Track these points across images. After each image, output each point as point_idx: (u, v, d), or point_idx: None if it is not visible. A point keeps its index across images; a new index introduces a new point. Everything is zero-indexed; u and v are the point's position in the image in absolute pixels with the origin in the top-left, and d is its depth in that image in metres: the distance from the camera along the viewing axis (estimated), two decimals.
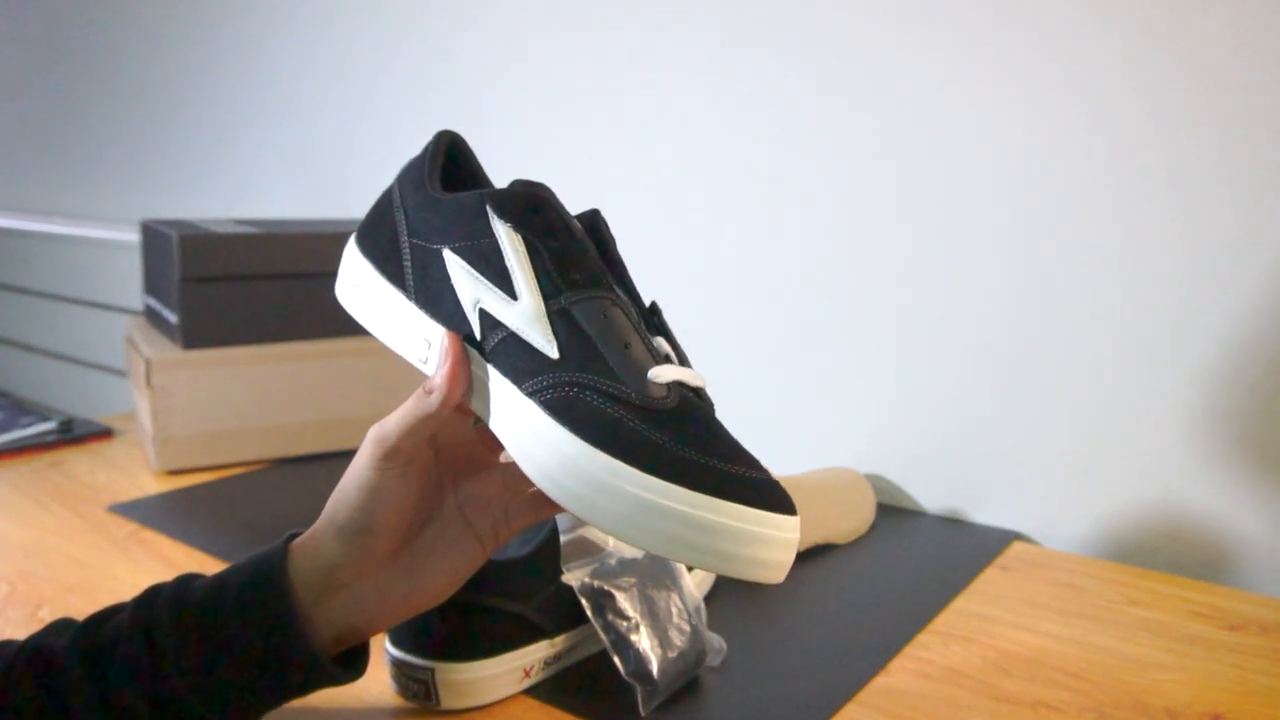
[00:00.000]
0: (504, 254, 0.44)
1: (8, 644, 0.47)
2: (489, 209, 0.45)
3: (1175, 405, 0.77)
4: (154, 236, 1.03)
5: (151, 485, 0.92)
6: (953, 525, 0.86)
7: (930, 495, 0.90)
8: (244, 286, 0.98)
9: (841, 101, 0.90)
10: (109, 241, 1.67)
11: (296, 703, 0.47)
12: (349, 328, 1.05)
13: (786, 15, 0.92)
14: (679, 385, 0.43)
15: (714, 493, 0.40)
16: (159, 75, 1.73)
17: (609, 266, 0.46)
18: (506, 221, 0.44)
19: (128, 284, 1.63)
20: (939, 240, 0.86)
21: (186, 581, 0.47)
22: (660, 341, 0.45)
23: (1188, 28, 0.73)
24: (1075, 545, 0.82)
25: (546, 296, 0.43)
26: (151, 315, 1.07)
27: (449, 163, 0.53)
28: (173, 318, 0.97)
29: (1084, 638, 0.64)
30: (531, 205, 0.44)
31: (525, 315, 0.43)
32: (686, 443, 0.41)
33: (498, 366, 0.44)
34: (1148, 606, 0.69)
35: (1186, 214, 0.75)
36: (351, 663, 0.48)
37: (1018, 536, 0.84)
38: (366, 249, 0.50)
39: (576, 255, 0.44)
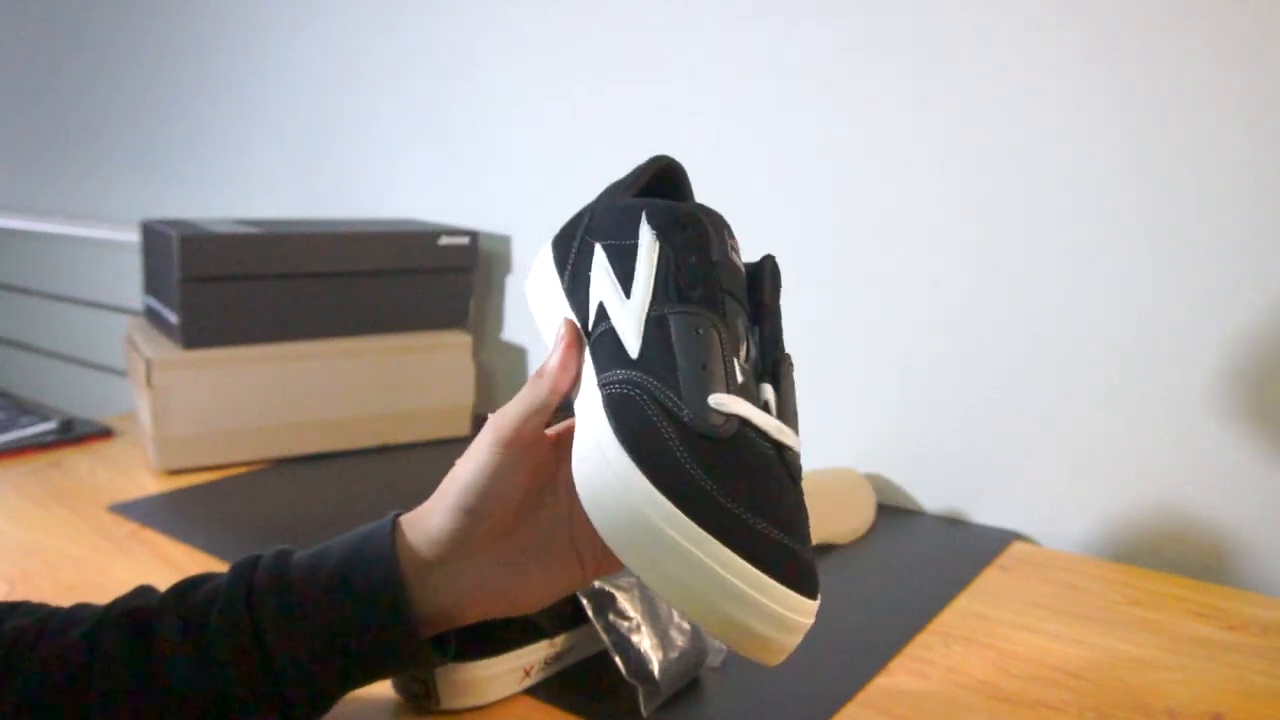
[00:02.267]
0: (638, 257, 0.45)
1: (83, 607, 0.48)
2: (643, 214, 0.45)
3: (1175, 405, 0.77)
4: (154, 236, 1.03)
5: (151, 485, 0.92)
6: (953, 525, 0.86)
7: (930, 495, 0.90)
8: (244, 286, 0.98)
9: (841, 101, 0.90)
10: (109, 241, 1.67)
11: None
12: (349, 328, 1.05)
13: (769, 7, 0.92)
14: (743, 422, 0.41)
15: (723, 539, 0.38)
16: (159, 75, 1.73)
17: (755, 308, 0.46)
18: (653, 229, 0.45)
19: (128, 284, 1.63)
20: (939, 241, 0.86)
21: (286, 551, 0.48)
22: (765, 388, 0.44)
23: (1168, 33, 0.73)
24: (1075, 545, 0.82)
25: (654, 302, 0.43)
26: (151, 315, 1.07)
27: (660, 184, 0.53)
28: (173, 318, 0.97)
29: (1084, 638, 0.64)
30: (680, 221, 0.45)
31: (628, 314, 0.44)
32: (718, 477, 0.39)
33: (593, 358, 0.45)
34: (1148, 606, 0.69)
35: (1186, 215, 0.75)
36: (438, 646, 0.49)
37: (1018, 536, 0.84)
38: (555, 244, 0.51)
39: (703, 275, 0.44)
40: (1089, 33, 0.77)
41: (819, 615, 0.66)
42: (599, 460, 0.41)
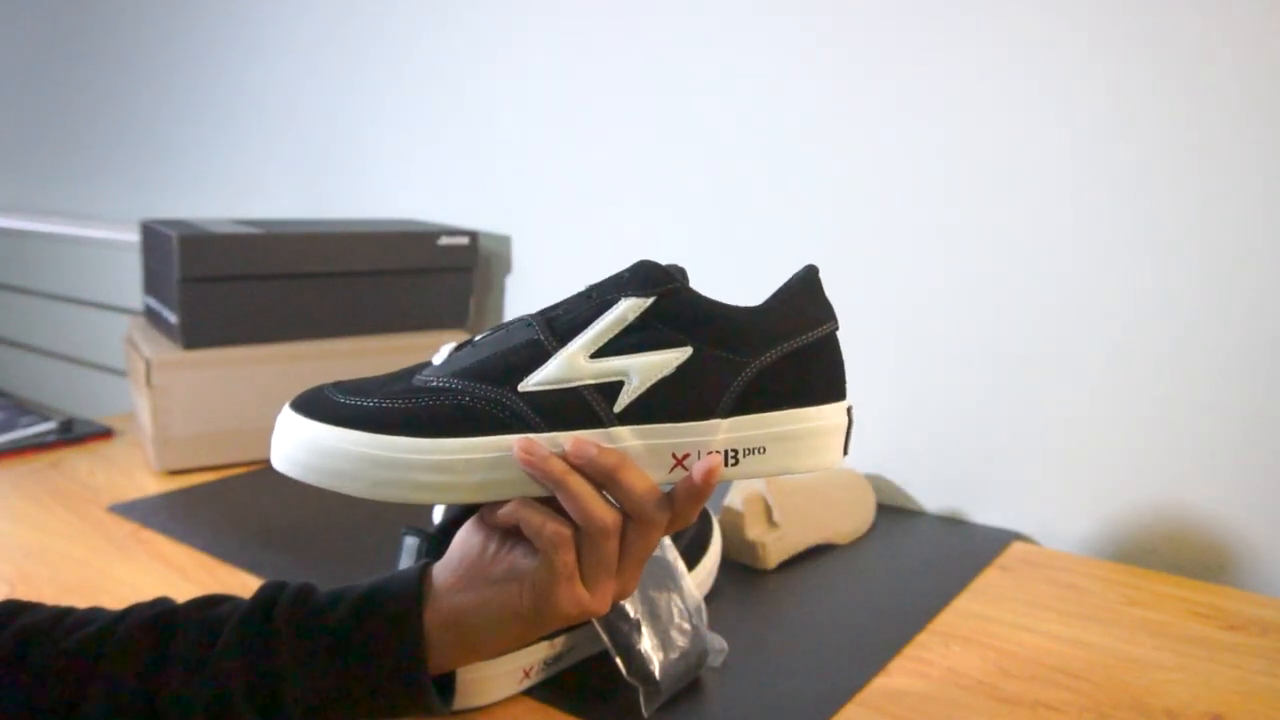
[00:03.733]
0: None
1: (99, 609, 0.48)
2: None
3: (1175, 406, 0.77)
4: (154, 236, 1.03)
5: (151, 485, 0.92)
6: (953, 525, 0.86)
7: (930, 495, 0.90)
8: (244, 286, 0.98)
9: (843, 102, 0.90)
10: (109, 241, 1.67)
11: None
12: (349, 328, 1.05)
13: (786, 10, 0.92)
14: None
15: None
16: (160, 75, 1.73)
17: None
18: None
19: (128, 284, 1.63)
20: (939, 241, 0.86)
21: (310, 586, 0.48)
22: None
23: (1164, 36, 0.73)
24: (1075, 545, 0.82)
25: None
26: (151, 315, 1.07)
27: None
28: (173, 318, 0.97)
29: (1084, 638, 0.64)
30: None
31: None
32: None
33: None
34: (1148, 606, 0.69)
35: (1186, 216, 0.75)
36: (441, 690, 0.49)
37: (1018, 536, 0.84)
38: None
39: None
40: (1091, 32, 0.77)
41: (819, 615, 0.67)
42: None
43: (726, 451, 0.45)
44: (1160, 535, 0.78)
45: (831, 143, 0.91)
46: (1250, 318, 0.73)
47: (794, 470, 0.45)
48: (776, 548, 0.74)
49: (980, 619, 0.67)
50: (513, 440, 0.43)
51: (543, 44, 1.12)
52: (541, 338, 0.45)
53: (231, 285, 0.97)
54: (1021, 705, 0.56)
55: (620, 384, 0.44)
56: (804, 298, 0.47)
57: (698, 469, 0.43)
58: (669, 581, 0.58)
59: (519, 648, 0.47)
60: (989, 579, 0.74)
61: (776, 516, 0.75)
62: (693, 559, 0.67)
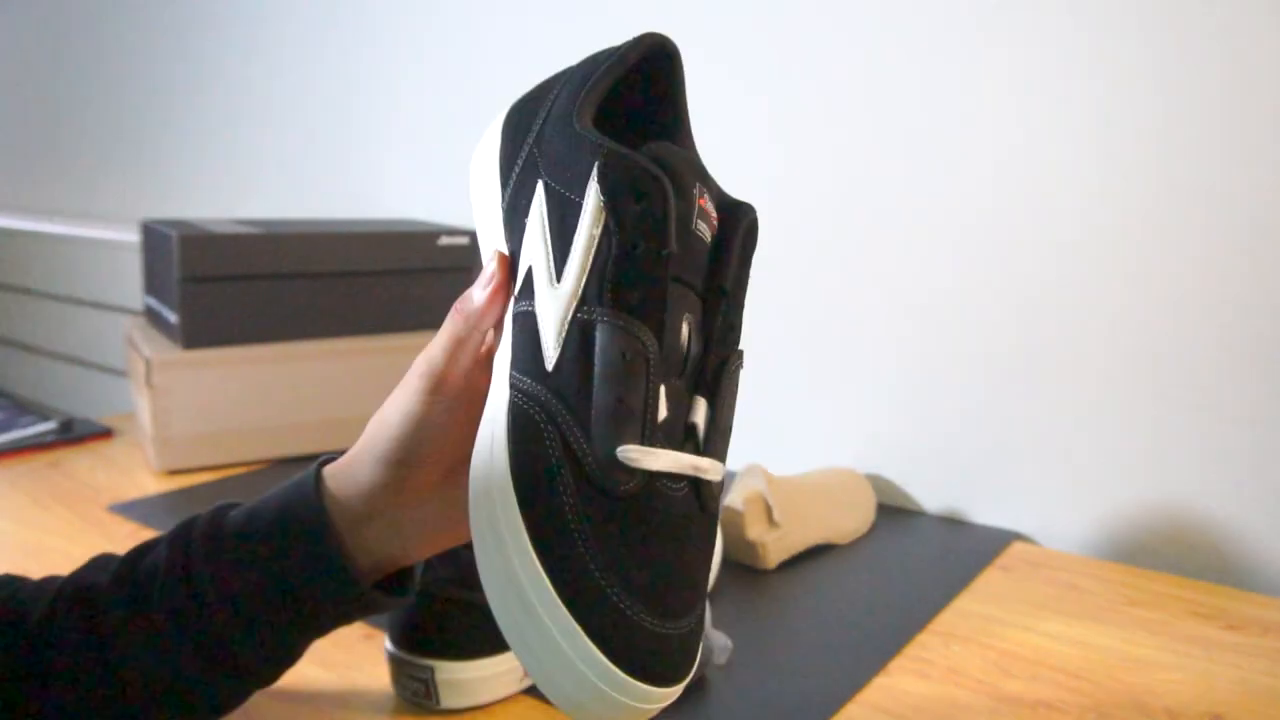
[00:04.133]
0: (578, 227, 0.37)
1: (51, 580, 0.46)
2: (595, 166, 0.37)
3: (1176, 406, 0.77)
4: (154, 236, 1.03)
5: (151, 485, 0.92)
6: (953, 525, 0.86)
7: (930, 495, 0.90)
8: (244, 286, 0.98)
9: (842, 102, 0.90)
10: (109, 241, 1.67)
11: (297, 702, 0.47)
12: (349, 328, 1.05)
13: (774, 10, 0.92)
14: (653, 477, 0.36)
15: (581, 618, 0.33)
16: (160, 75, 1.73)
17: (714, 285, 0.38)
18: (602, 193, 0.36)
19: (128, 284, 1.63)
20: (939, 241, 0.86)
21: (222, 511, 0.45)
22: (698, 404, 0.38)
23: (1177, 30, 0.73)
24: (1075, 545, 0.82)
25: (583, 299, 0.36)
26: (151, 315, 1.07)
27: (646, 70, 0.42)
28: (173, 318, 0.97)
29: (1084, 638, 0.64)
30: (638, 186, 0.36)
31: (552, 306, 0.37)
32: (604, 541, 0.35)
33: (511, 335, 0.39)
34: (1148, 606, 0.69)
35: (1186, 216, 0.75)
36: (394, 588, 0.46)
37: (1018, 536, 0.84)
38: (508, 121, 0.43)
39: (648, 273, 0.36)
40: (1090, 32, 0.77)
41: (819, 615, 0.67)
42: (486, 479, 0.36)
43: None
44: (1160, 535, 0.78)
45: (830, 141, 0.91)
46: (1251, 317, 0.73)
47: None
48: (776, 548, 0.74)
49: (980, 619, 0.67)
50: None
51: (543, 44, 1.12)
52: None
53: (231, 285, 0.97)
54: (1022, 705, 0.56)
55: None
56: None
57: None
58: None
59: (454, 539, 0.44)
60: (989, 579, 0.74)
61: (776, 516, 0.75)
62: None
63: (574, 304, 0.37)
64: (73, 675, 0.43)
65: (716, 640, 0.59)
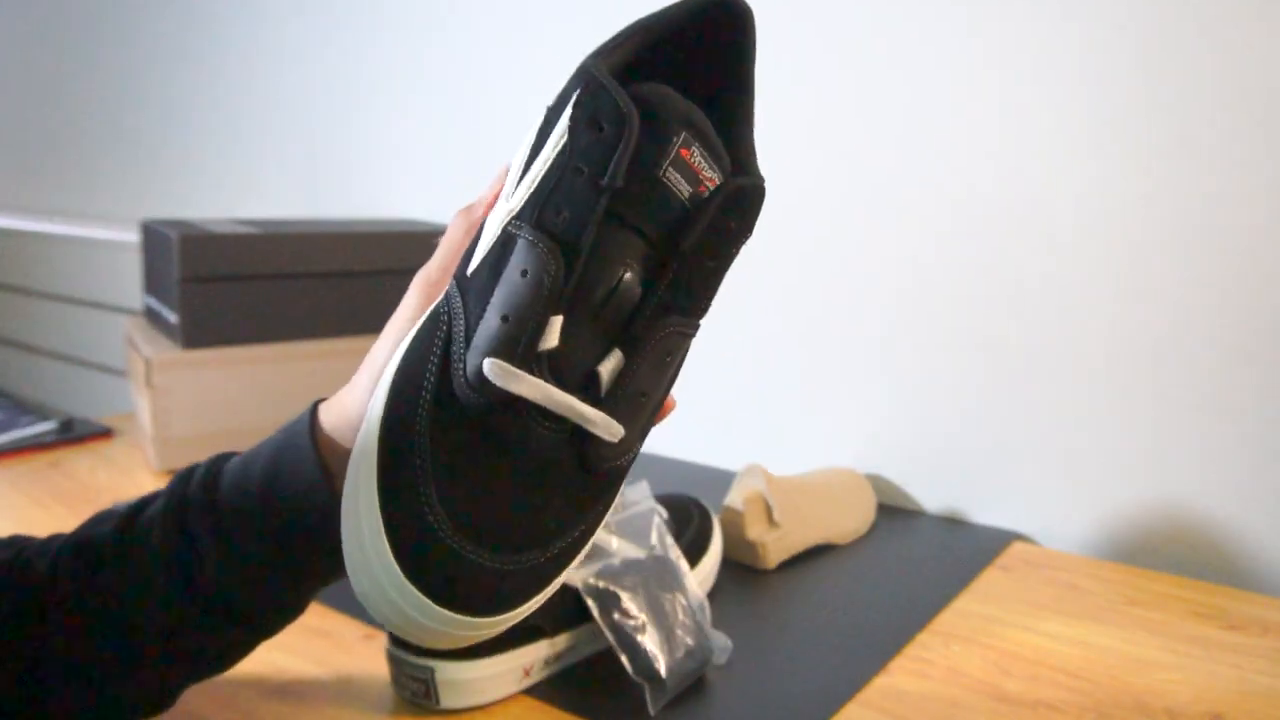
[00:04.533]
0: (546, 140, 0.36)
1: (55, 537, 0.46)
2: (577, 90, 0.36)
3: (1176, 405, 0.77)
4: (154, 236, 1.03)
5: (151, 485, 0.92)
6: (953, 525, 0.86)
7: (930, 495, 0.90)
8: (244, 286, 0.98)
9: (840, 99, 0.90)
10: (109, 241, 1.67)
11: (297, 702, 0.47)
12: (349, 328, 1.05)
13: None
14: (514, 399, 0.35)
15: (390, 520, 0.34)
16: (160, 76, 1.73)
17: (678, 231, 0.36)
18: (570, 117, 0.36)
19: (128, 284, 1.63)
20: (939, 240, 0.86)
21: (219, 460, 0.45)
22: (612, 356, 0.36)
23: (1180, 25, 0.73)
24: (1075, 545, 0.82)
25: (519, 214, 0.36)
26: (151, 315, 1.07)
27: (714, 29, 0.40)
28: (173, 318, 0.97)
29: (1084, 638, 0.64)
30: (600, 116, 0.35)
31: (496, 215, 0.37)
32: (441, 450, 0.34)
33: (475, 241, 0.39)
34: (1148, 606, 0.69)
35: (1186, 215, 0.75)
36: None
37: (1018, 536, 0.84)
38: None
39: (580, 200, 0.35)
40: (1086, 23, 0.77)
41: (819, 615, 0.67)
42: (384, 370, 0.39)
43: None
44: (1160, 535, 0.78)
45: (828, 143, 0.91)
46: (1251, 317, 0.73)
47: None
48: (776, 548, 0.74)
49: (981, 619, 0.67)
50: None
51: (543, 43, 1.12)
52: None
53: (231, 285, 0.97)
54: (1022, 705, 0.56)
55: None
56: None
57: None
58: (672, 581, 0.58)
59: None
60: (989, 579, 0.74)
61: (776, 516, 0.75)
62: (693, 559, 0.67)
63: (510, 216, 0.36)
64: (76, 627, 0.43)
65: (716, 640, 0.59)
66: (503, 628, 0.35)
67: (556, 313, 0.35)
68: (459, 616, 0.33)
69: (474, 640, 0.35)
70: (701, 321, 0.38)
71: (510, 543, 0.35)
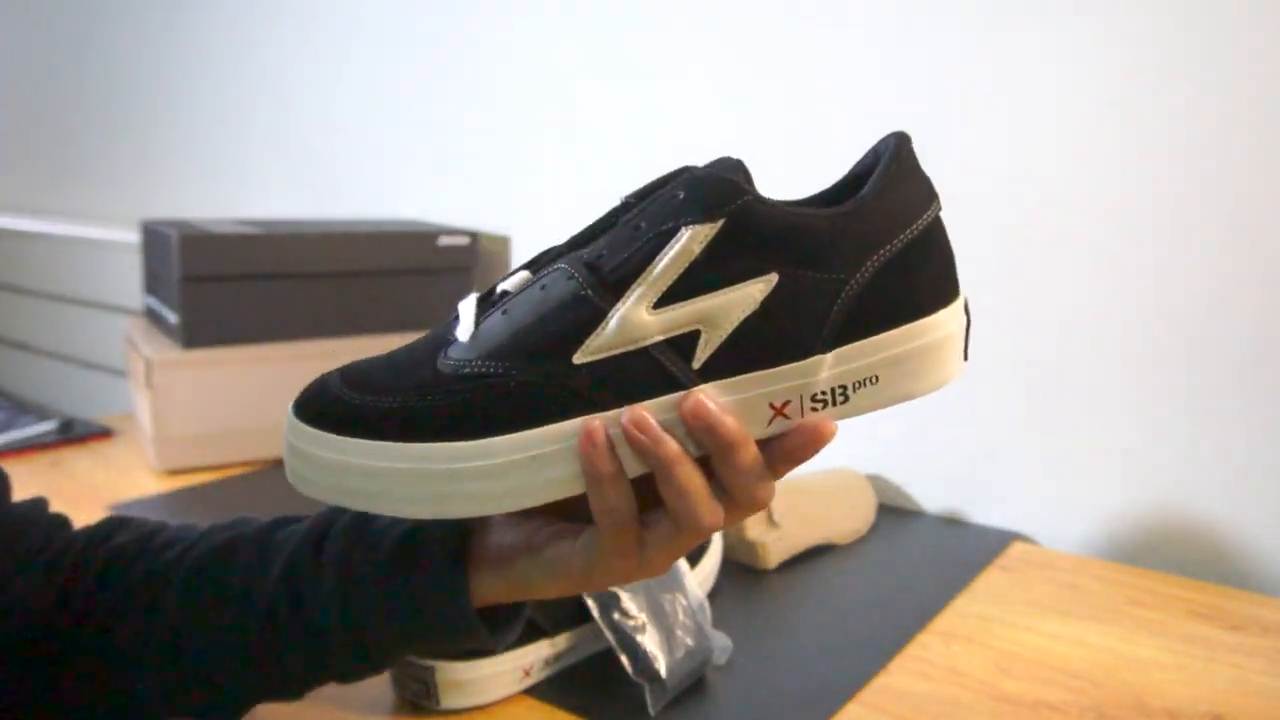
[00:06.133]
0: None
1: (186, 528, 0.49)
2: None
3: (1175, 405, 0.77)
4: (154, 236, 1.03)
5: (151, 485, 0.92)
6: (953, 525, 0.86)
7: (930, 495, 0.90)
8: (244, 286, 0.98)
9: (847, 102, 0.90)
10: (109, 241, 1.67)
11: (297, 702, 0.47)
12: (349, 328, 1.05)
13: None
14: None
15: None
16: (160, 75, 1.73)
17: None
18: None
19: (128, 284, 1.63)
20: None
21: (365, 517, 0.46)
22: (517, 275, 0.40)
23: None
24: (1075, 545, 0.82)
25: None
26: (151, 315, 1.07)
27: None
28: (173, 318, 0.97)
29: (1084, 638, 0.64)
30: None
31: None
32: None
33: None
34: (1148, 606, 0.69)
35: (1186, 214, 0.75)
36: (499, 625, 0.46)
37: (1018, 536, 0.84)
38: None
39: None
40: (1090, 19, 0.77)
41: (819, 615, 0.66)
42: None
43: (833, 389, 0.37)
44: (1160, 535, 0.78)
45: (837, 140, 0.91)
46: (1251, 317, 0.73)
47: (914, 395, 0.37)
48: (776, 548, 0.74)
49: (980, 619, 0.67)
50: (578, 425, 0.36)
51: (543, 43, 1.12)
52: (590, 293, 0.36)
53: (231, 285, 0.97)
54: (1022, 705, 0.56)
55: (696, 333, 0.36)
56: (901, 181, 0.38)
57: (805, 428, 0.36)
58: (672, 581, 0.58)
59: (571, 593, 0.43)
60: (989, 579, 0.74)
61: (776, 516, 0.75)
62: (693, 558, 0.67)
63: None
64: (186, 615, 0.45)
65: (716, 640, 0.59)
66: (357, 459, 0.37)
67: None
68: (303, 425, 0.38)
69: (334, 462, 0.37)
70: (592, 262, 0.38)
71: (370, 388, 0.39)
